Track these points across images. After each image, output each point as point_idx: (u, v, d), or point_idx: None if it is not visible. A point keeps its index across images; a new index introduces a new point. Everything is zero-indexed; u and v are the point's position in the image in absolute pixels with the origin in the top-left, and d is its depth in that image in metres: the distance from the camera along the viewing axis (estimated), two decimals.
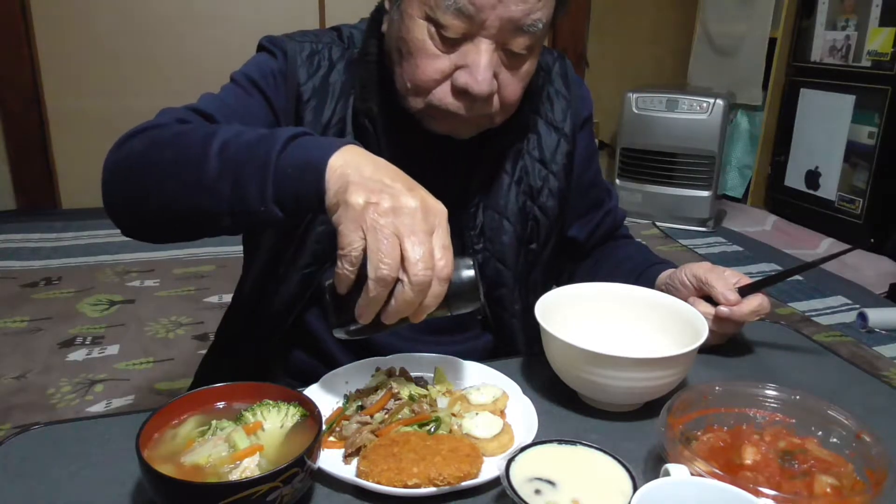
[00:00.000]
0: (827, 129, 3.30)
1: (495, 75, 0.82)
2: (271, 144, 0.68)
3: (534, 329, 0.81)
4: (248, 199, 0.68)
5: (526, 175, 0.98)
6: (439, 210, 0.65)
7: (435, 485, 0.62)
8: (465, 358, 0.84)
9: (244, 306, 1.00)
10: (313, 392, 0.76)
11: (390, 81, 0.88)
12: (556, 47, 3.60)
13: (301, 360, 0.96)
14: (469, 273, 0.68)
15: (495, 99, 0.84)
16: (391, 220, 0.62)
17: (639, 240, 1.15)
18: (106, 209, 0.79)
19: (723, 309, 0.86)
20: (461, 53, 0.81)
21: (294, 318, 0.93)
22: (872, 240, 3.06)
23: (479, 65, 0.79)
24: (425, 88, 0.83)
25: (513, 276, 0.97)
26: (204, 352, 1.09)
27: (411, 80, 0.83)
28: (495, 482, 0.63)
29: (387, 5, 0.88)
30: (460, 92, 0.81)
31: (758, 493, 0.55)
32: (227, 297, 1.97)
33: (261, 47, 0.94)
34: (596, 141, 1.11)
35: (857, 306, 2.58)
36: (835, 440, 0.67)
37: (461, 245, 0.96)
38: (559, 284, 0.88)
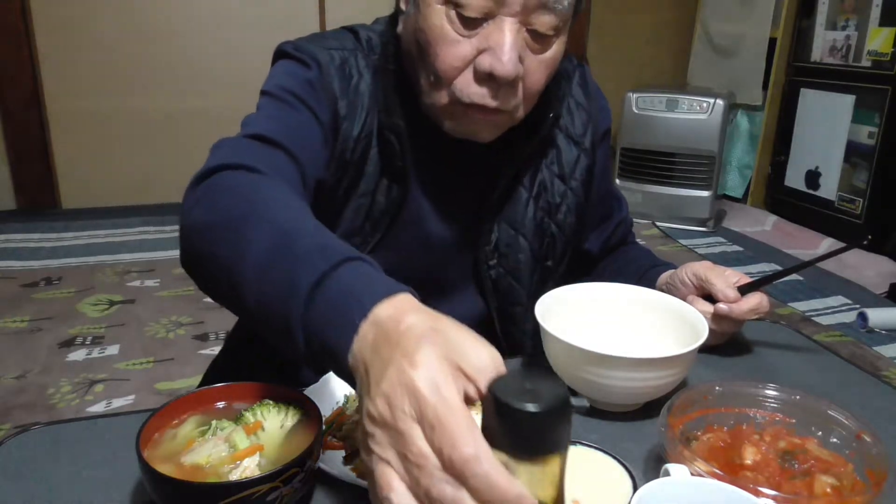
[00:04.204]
0: (827, 129, 3.30)
1: (520, 60, 0.76)
2: (293, 304, 0.53)
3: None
4: (286, 350, 0.56)
5: (544, 191, 0.95)
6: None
7: None
8: None
9: None
10: (313, 392, 0.76)
11: (411, 92, 0.84)
12: None
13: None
14: None
15: (520, 88, 0.79)
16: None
17: (639, 240, 1.15)
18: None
19: (722, 306, 0.86)
20: (483, 36, 0.76)
21: None
22: (870, 236, 3.06)
23: (504, 44, 0.74)
24: (448, 78, 0.77)
25: (526, 294, 0.95)
26: (204, 352, 1.09)
27: (432, 71, 0.78)
28: None
29: (402, 6, 0.84)
30: (484, 77, 0.76)
31: (758, 493, 0.55)
32: None
33: (285, 54, 0.86)
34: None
35: (857, 306, 2.58)
36: (835, 440, 0.67)
37: (474, 260, 0.94)
38: None
